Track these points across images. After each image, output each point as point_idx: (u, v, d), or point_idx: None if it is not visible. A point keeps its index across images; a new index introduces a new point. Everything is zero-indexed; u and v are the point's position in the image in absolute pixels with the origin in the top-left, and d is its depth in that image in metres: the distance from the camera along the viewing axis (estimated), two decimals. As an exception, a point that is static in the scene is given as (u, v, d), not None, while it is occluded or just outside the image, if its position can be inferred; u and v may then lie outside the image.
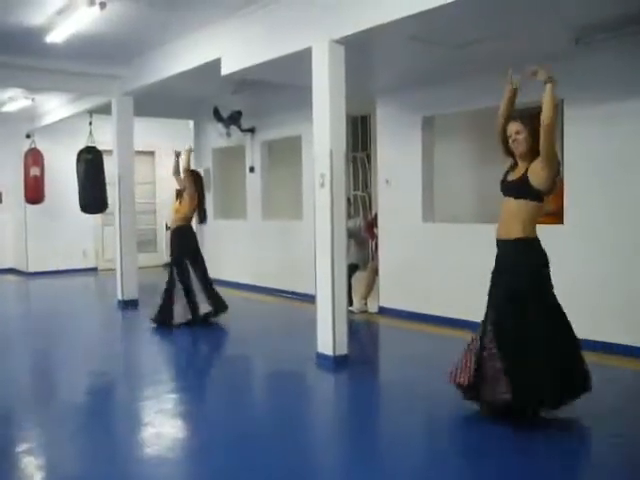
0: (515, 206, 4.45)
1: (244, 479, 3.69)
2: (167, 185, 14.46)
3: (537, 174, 4.36)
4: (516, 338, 4.35)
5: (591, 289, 6.41)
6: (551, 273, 4.50)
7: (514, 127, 4.50)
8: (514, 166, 4.59)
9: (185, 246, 8.26)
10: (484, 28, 5.85)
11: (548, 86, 4.28)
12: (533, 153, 4.40)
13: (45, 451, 4.22)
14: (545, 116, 4.22)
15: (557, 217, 6.74)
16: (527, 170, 4.41)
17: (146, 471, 3.91)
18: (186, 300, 7.99)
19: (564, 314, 4.48)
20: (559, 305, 4.48)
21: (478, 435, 4.31)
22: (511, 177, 4.55)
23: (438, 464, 3.93)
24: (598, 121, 6.36)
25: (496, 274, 4.57)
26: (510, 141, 4.53)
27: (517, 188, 4.45)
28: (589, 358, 5.88)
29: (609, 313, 6.29)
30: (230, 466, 3.87)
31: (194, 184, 8.39)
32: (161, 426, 4.65)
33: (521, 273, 4.45)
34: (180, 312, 7.96)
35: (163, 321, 7.96)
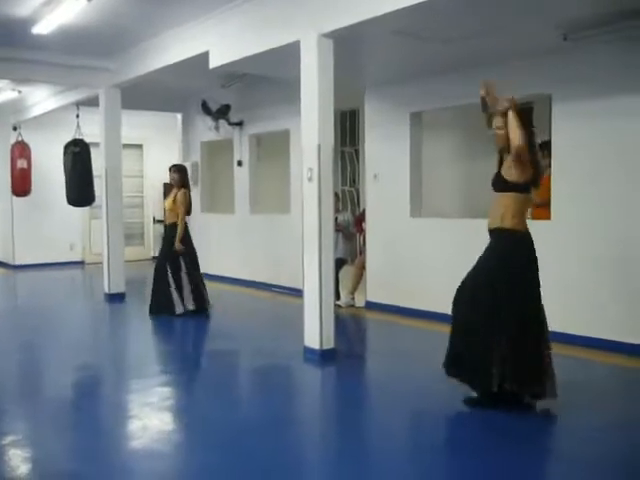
0: (496, 199, 4.63)
1: (230, 473, 3.69)
2: (155, 178, 14.44)
3: (508, 168, 4.55)
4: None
5: (579, 285, 6.45)
6: (531, 269, 4.58)
7: (497, 122, 4.63)
8: (501, 160, 4.72)
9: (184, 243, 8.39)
10: (472, 23, 5.85)
11: (511, 113, 4.46)
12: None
13: (31, 443, 4.21)
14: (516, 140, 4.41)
15: (545, 211, 6.77)
16: (502, 164, 4.64)
17: (132, 464, 3.90)
18: (177, 293, 8.15)
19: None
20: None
21: (466, 429, 4.33)
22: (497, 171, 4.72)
23: (425, 459, 3.94)
24: (586, 117, 6.38)
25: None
26: (496, 137, 4.69)
27: (495, 182, 4.67)
28: (578, 353, 5.95)
29: (597, 309, 6.32)
30: (217, 460, 3.87)
31: (182, 182, 8.42)
32: (148, 419, 4.64)
33: (491, 259, 4.61)
34: (179, 303, 8.14)
35: (162, 311, 8.11)
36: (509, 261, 4.53)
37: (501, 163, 4.70)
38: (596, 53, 6.16)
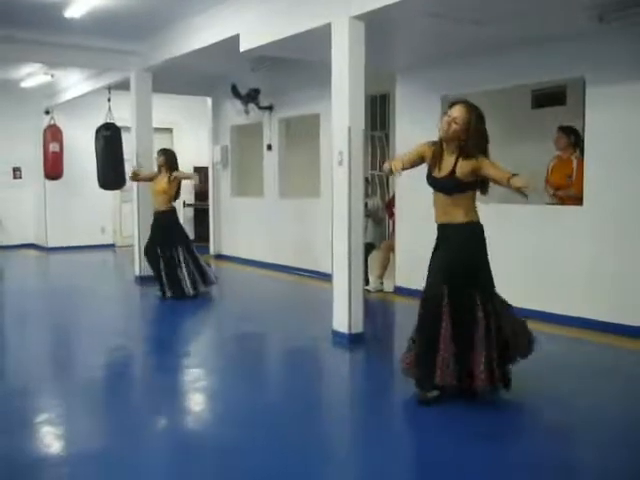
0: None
1: (259, 456, 3.70)
2: (185, 162, 14.51)
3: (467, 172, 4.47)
4: None
5: (609, 270, 6.36)
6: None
7: (456, 112, 4.33)
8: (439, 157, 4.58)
9: (180, 231, 8.57)
10: (505, 4, 5.76)
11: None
12: (465, 148, 4.34)
13: (63, 422, 4.27)
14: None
15: (577, 199, 6.68)
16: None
17: (162, 444, 3.96)
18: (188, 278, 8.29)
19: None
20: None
21: (496, 415, 4.31)
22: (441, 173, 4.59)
23: (459, 445, 3.92)
24: (620, 101, 6.25)
25: None
26: (445, 123, 4.41)
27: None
28: (607, 341, 5.87)
29: (629, 296, 6.23)
30: (248, 441, 3.90)
31: (169, 165, 8.43)
32: (178, 400, 4.69)
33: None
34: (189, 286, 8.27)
35: (180, 294, 8.19)
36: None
37: (439, 162, 4.55)
38: (631, 35, 6.01)
